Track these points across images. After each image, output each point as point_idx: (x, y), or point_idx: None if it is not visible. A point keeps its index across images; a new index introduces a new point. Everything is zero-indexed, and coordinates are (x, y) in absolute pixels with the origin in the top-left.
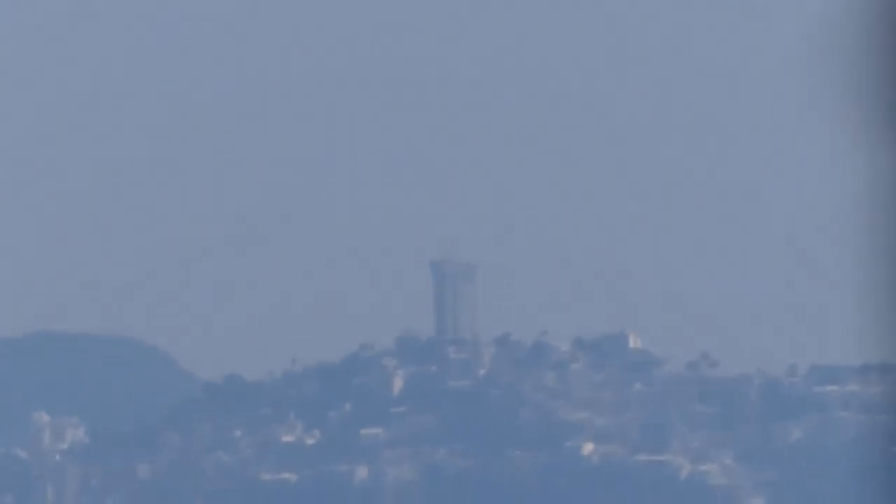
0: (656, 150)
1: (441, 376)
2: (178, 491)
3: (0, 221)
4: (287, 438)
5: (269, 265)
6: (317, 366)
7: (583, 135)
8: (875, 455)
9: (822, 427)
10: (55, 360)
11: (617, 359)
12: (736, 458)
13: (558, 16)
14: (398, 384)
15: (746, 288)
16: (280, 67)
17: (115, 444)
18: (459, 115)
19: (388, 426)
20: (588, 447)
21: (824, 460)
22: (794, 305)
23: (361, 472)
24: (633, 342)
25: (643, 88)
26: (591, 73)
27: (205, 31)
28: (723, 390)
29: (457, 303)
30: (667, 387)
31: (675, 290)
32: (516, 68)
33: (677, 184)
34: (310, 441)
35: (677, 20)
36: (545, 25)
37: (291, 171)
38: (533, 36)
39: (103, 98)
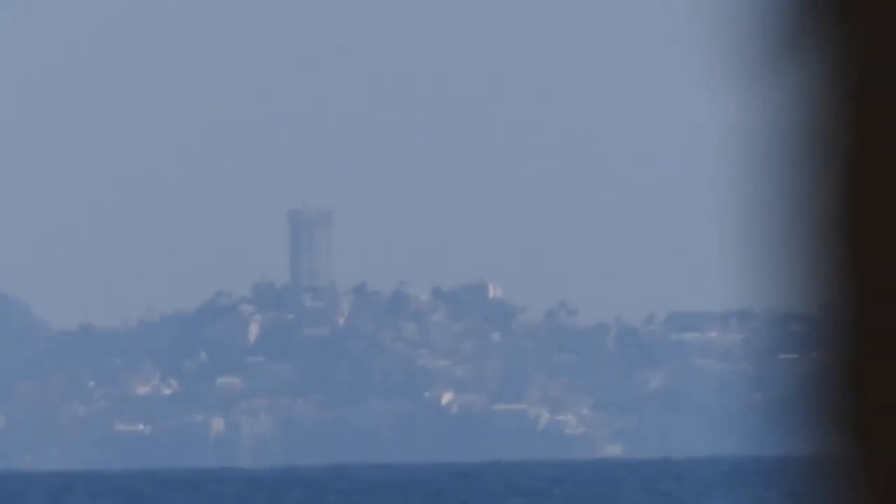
0: (514, 95)
1: (298, 324)
2: (33, 441)
3: None
4: (142, 389)
5: (124, 210)
6: (172, 313)
7: (431, 82)
8: (736, 401)
9: (681, 374)
10: None
11: (476, 308)
12: (594, 406)
13: None
14: (254, 332)
15: (604, 236)
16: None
17: None
18: (318, 63)
19: (245, 376)
20: (447, 396)
21: (683, 407)
22: (653, 253)
23: (217, 424)
24: (492, 292)
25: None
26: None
27: None
28: (581, 339)
29: (313, 250)
30: (525, 336)
31: (532, 238)
32: (366, 16)
33: (536, 129)
34: (165, 391)
35: None
36: None
37: (156, 113)
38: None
39: None
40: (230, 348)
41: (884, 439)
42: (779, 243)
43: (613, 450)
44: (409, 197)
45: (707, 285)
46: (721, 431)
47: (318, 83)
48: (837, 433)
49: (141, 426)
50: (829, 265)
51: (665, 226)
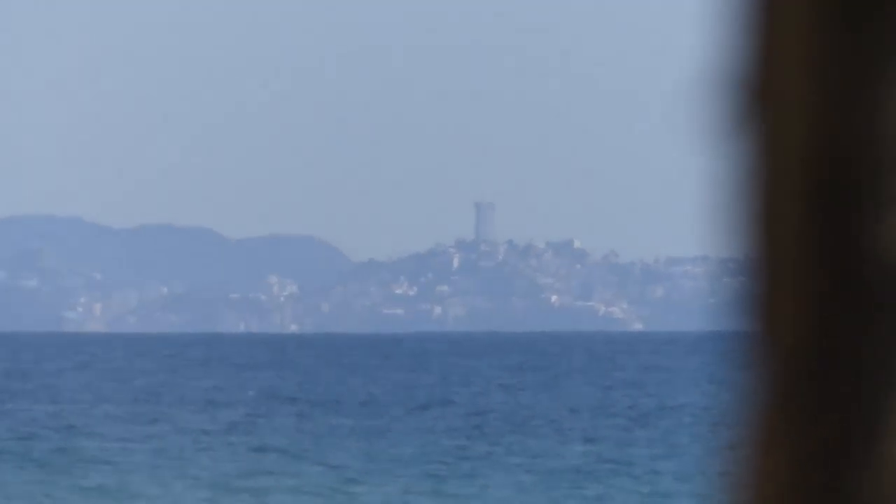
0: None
1: (477, 260)
2: (340, 320)
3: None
4: (398, 291)
5: (389, 170)
6: (412, 253)
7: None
8: (706, 302)
9: (673, 289)
10: (278, 252)
11: (567, 252)
12: (629, 303)
13: None
14: (455, 263)
15: (635, 212)
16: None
17: (314, 292)
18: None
19: (450, 285)
20: (553, 298)
21: (676, 306)
22: (662, 223)
23: (436, 310)
24: (576, 243)
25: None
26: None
27: None
28: (621, 270)
29: (486, 222)
30: (593, 267)
31: (598, 212)
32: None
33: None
34: (410, 293)
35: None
36: None
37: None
38: None
39: None
40: (443, 272)
41: (774, 324)
42: (724, 221)
43: (638, 326)
44: (536, 192)
45: (690, 239)
46: (698, 320)
47: (492, 112)
48: (749, 319)
49: (398, 310)
50: (744, 235)
51: (667, 203)
